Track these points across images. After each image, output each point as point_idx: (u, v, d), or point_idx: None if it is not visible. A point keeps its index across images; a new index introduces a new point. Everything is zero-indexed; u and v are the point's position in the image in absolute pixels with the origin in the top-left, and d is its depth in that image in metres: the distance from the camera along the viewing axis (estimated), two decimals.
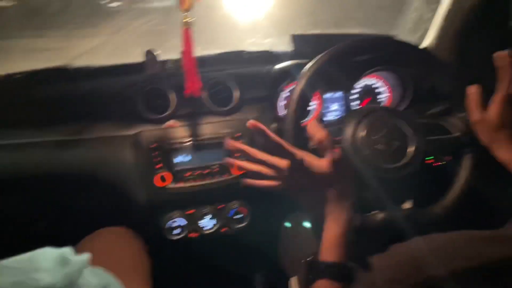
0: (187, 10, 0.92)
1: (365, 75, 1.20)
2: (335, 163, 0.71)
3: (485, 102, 0.86)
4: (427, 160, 1.13)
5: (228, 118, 1.13)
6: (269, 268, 1.16)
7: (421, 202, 1.00)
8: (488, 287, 0.32)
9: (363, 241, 0.91)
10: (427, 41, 1.28)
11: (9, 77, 1.13)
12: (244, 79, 1.18)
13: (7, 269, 0.41)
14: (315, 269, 0.66)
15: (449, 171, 1.00)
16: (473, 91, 0.86)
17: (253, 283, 1.40)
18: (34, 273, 0.41)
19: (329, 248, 0.67)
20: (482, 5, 1.10)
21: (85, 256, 0.47)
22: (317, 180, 0.71)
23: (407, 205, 1.01)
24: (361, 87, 1.25)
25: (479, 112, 0.86)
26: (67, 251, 0.46)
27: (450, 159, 1.06)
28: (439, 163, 1.16)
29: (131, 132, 1.08)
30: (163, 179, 1.05)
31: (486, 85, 0.91)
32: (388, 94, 1.25)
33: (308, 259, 0.70)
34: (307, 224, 1.09)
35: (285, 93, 1.18)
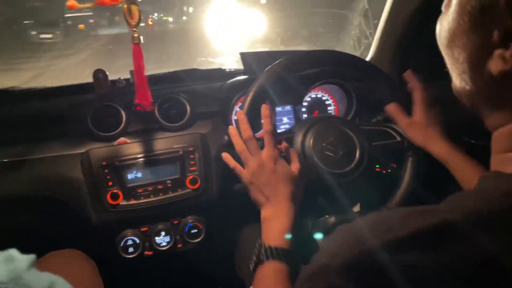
0: (135, 26, 0.93)
1: (312, 89, 1.25)
2: (287, 167, 0.82)
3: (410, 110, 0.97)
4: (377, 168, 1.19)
5: (181, 133, 1.14)
6: (227, 282, 1.15)
7: (369, 205, 1.05)
8: (416, 254, 0.35)
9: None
10: (369, 55, 1.37)
11: None
12: (196, 95, 1.20)
13: None
14: (264, 253, 0.71)
15: (395, 178, 1.06)
16: (391, 108, 0.98)
17: None
18: None
19: (277, 237, 0.73)
20: (417, 18, 1.19)
21: (31, 256, 0.46)
22: (275, 179, 0.80)
23: (356, 208, 1.05)
24: (309, 100, 1.31)
25: (406, 118, 0.96)
26: (12, 251, 0.45)
27: (395, 166, 1.13)
28: (386, 171, 1.23)
29: (81, 150, 1.06)
30: (114, 196, 1.03)
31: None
32: (334, 107, 1.31)
33: (257, 244, 0.75)
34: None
35: (236, 108, 1.21)
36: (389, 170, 1.22)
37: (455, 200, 0.39)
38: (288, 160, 0.86)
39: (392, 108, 0.98)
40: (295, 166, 0.84)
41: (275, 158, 0.81)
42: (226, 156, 0.89)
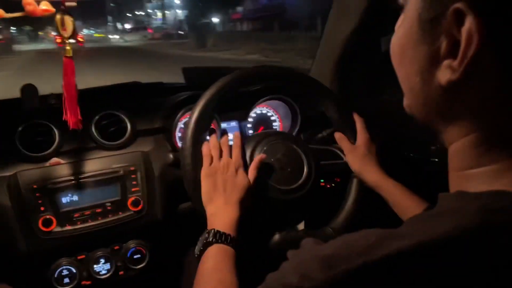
0: (68, 38, 0.86)
1: (257, 105, 1.24)
2: (246, 176, 0.91)
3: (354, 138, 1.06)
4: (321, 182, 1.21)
5: (120, 151, 1.07)
6: None
7: (314, 223, 1.05)
8: (386, 279, 0.34)
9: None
10: (311, 70, 1.40)
11: None
12: (137, 111, 1.14)
13: None
14: (212, 236, 0.78)
15: (339, 192, 1.08)
16: (337, 136, 1.07)
17: None
18: None
19: (224, 226, 0.81)
20: (357, 34, 1.24)
21: None
22: (232, 181, 0.88)
23: (301, 226, 1.05)
24: (254, 116, 1.30)
25: (348, 145, 1.05)
26: None
27: (339, 180, 1.15)
28: (330, 185, 1.25)
29: (7, 173, 0.96)
30: (47, 223, 0.94)
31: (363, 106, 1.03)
32: (279, 123, 1.31)
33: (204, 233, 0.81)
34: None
35: (181, 124, 1.17)
36: (333, 184, 1.25)
37: (423, 223, 0.38)
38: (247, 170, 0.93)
39: (338, 136, 1.06)
40: (251, 178, 0.91)
41: (239, 165, 0.91)
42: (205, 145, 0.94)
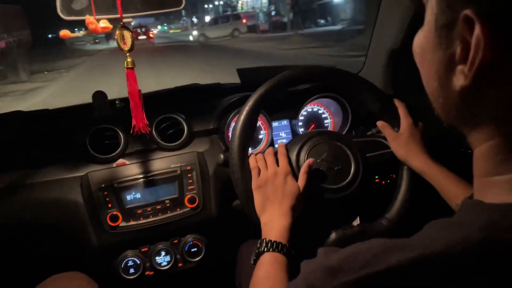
0: (129, 51, 0.94)
1: (308, 103, 1.26)
2: (295, 183, 0.92)
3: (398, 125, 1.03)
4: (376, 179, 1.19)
5: (178, 152, 1.15)
6: None
7: (369, 217, 1.05)
8: None
9: None
10: (362, 69, 1.38)
11: None
12: (193, 113, 1.21)
13: None
14: (265, 245, 0.80)
15: (395, 189, 1.06)
16: (380, 124, 1.05)
17: None
18: None
19: (276, 235, 0.82)
20: (406, 31, 1.20)
21: None
22: (282, 190, 0.90)
23: (356, 222, 1.05)
24: (305, 114, 1.31)
25: (392, 132, 1.02)
26: None
27: (394, 176, 1.13)
28: (385, 182, 1.23)
29: (80, 173, 1.07)
30: (114, 218, 1.04)
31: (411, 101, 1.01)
32: (330, 120, 1.32)
33: (258, 243, 0.83)
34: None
35: (233, 124, 1.22)
36: (388, 181, 1.23)
37: (434, 232, 0.39)
38: (296, 177, 0.94)
39: (380, 124, 1.04)
40: (301, 183, 0.92)
41: (287, 173, 0.92)
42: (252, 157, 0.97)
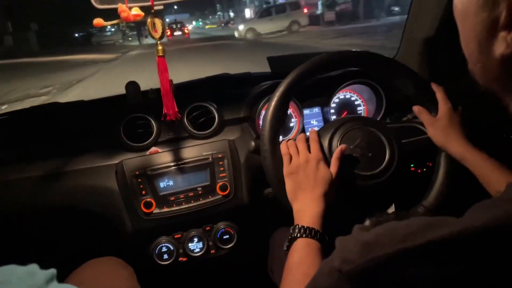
0: (160, 39, 0.95)
1: (340, 90, 1.23)
2: (327, 169, 0.90)
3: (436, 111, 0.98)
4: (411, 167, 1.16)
5: (209, 140, 1.15)
6: (261, 285, 1.16)
7: (405, 205, 1.02)
8: (429, 265, 0.34)
9: None
10: (398, 53, 1.34)
11: None
12: (224, 102, 1.21)
13: None
14: (297, 231, 0.80)
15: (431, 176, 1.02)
16: (416, 109, 1.00)
17: None
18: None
19: (309, 220, 0.82)
20: (446, 9, 1.15)
21: (51, 271, 0.47)
22: (314, 176, 0.89)
23: (391, 209, 1.03)
24: (337, 101, 1.29)
25: (429, 118, 0.98)
26: (33, 266, 0.46)
27: (431, 165, 1.09)
28: (421, 170, 1.19)
29: (115, 161, 1.10)
30: (148, 205, 1.06)
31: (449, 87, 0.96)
32: (363, 107, 1.29)
33: (291, 229, 0.83)
34: None
35: (264, 112, 1.21)
36: (424, 169, 1.19)
37: (476, 211, 0.37)
38: (328, 164, 0.92)
39: (417, 109, 1.00)
40: (333, 170, 0.90)
41: (318, 159, 0.91)
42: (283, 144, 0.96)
